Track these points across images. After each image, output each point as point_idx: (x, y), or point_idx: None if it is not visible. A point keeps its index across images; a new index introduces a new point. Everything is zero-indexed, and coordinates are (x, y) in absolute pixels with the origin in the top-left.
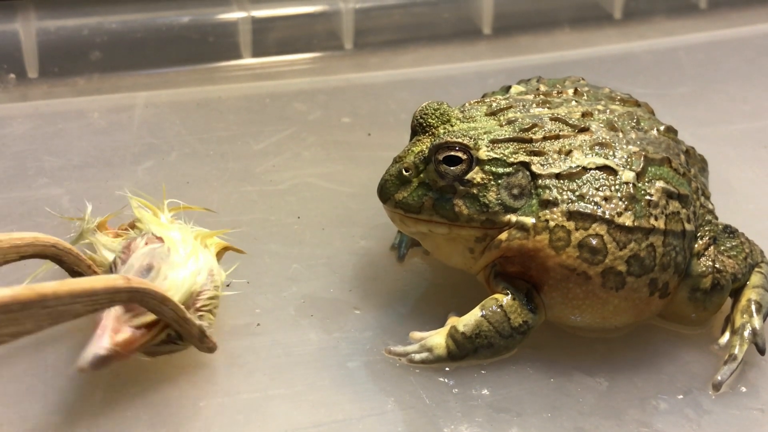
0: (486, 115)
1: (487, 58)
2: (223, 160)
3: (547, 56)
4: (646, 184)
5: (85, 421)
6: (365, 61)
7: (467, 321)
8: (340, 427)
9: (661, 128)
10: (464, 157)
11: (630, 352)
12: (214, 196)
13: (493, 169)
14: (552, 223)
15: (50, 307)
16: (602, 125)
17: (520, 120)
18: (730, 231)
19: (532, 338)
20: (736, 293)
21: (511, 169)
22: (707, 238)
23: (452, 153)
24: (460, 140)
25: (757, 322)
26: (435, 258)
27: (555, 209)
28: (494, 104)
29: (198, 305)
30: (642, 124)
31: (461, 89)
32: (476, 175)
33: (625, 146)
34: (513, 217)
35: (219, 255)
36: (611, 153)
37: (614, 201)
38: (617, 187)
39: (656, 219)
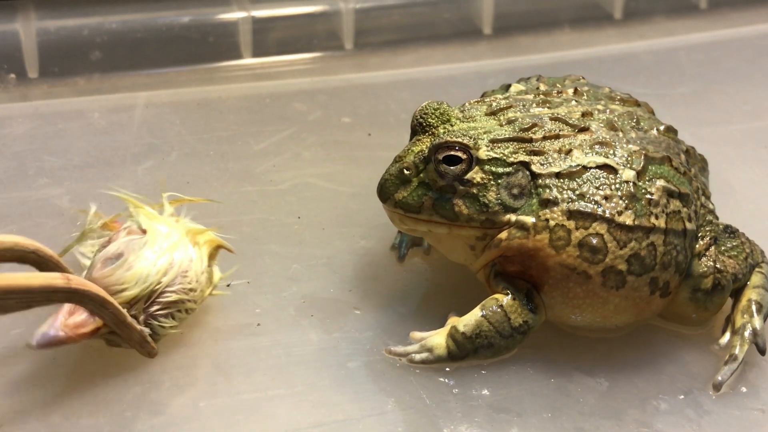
0: (486, 114)
1: (487, 58)
2: (224, 160)
3: (547, 56)
4: (647, 182)
5: (86, 420)
6: (365, 61)
7: (467, 321)
8: (340, 427)
9: (661, 128)
10: (464, 156)
11: (630, 353)
12: (214, 196)
13: (493, 168)
14: (552, 223)
15: None
16: (602, 125)
17: (520, 120)
18: (731, 231)
19: (533, 338)
20: (737, 293)
21: (510, 168)
22: (708, 238)
23: (452, 153)
24: (459, 140)
25: (757, 322)
26: (435, 258)
27: (555, 208)
28: (494, 104)
29: (156, 307)
30: (642, 123)
31: (461, 89)
32: (476, 174)
33: (625, 145)
34: (513, 217)
35: (213, 254)
36: (611, 152)
37: (614, 200)
38: (617, 185)
39: (657, 218)
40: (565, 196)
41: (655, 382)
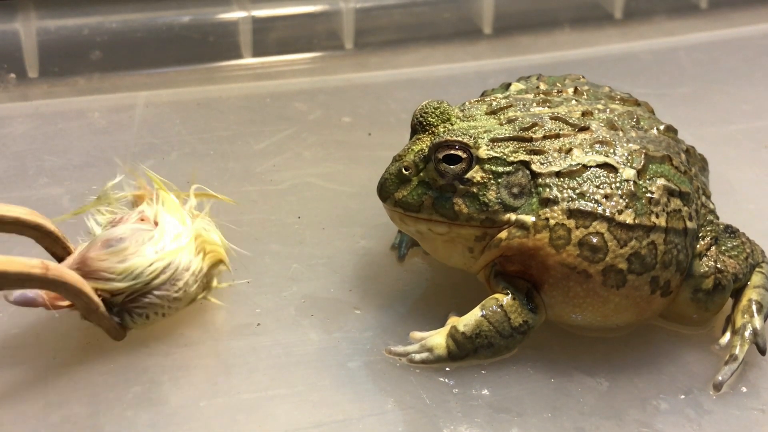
0: (486, 114)
1: (487, 58)
2: (224, 159)
3: (547, 56)
4: (647, 181)
5: (86, 421)
6: (366, 60)
7: (467, 321)
8: (340, 427)
9: (661, 127)
10: (464, 155)
11: (631, 353)
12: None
13: (493, 167)
14: (552, 222)
15: None
16: (602, 124)
17: (520, 119)
18: (731, 231)
19: (533, 338)
20: (737, 293)
21: (511, 167)
22: (709, 238)
23: (452, 152)
24: (460, 139)
25: (757, 322)
26: (435, 258)
27: (555, 207)
28: (494, 103)
29: (135, 304)
30: (642, 123)
31: (461, 89)
32: (476, 173)
33: (625, 144)
34: (513, 216)
35: (215, 265)
36: (612, 151)
37: (615, 199)
38: (618, 184)
39: (657, 216)
40: (566, 195)
41: (656, 382)
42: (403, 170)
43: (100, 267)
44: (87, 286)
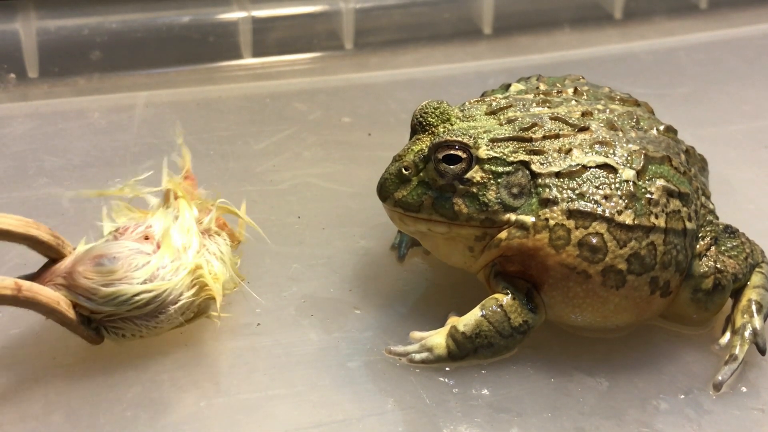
0: (486, 114)
1: (487, 58)
2: (224, 159)
3: (547, 56)
4: (647, 182)
5: (85, 420)
6: (365, 61)
7: (467, 321)
8: (340, 427)
9: (661, 128)
10: (464, 155)
11: (630, 353)
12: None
13: (493, 168)
14: (552, 222)
15: None
16: (602, 124)
17: (520, 119)
18: (731, 231)
19: (533, 338)
20: (737, 293)
21: (510, 168)
22: (709, 238)
23: (452, 152)
24: (459, 139)
25: (757, 322)
26: (435, 258)
27: (555, 208)
28: (494, 103)
29: (113, 323)
30: (642, 123)
31: (461, 89)
32: (476, 173)
33: (625, 145)
34: (513, 216)
35: (203, 302)
36: (611, 151)
37: (614, 199)
38: (617, 185)
39: (657, 217)
40: (565, 195)
41: (656, 382)
42: (403, 170)
43: (84, 285)
44: (62, 304)
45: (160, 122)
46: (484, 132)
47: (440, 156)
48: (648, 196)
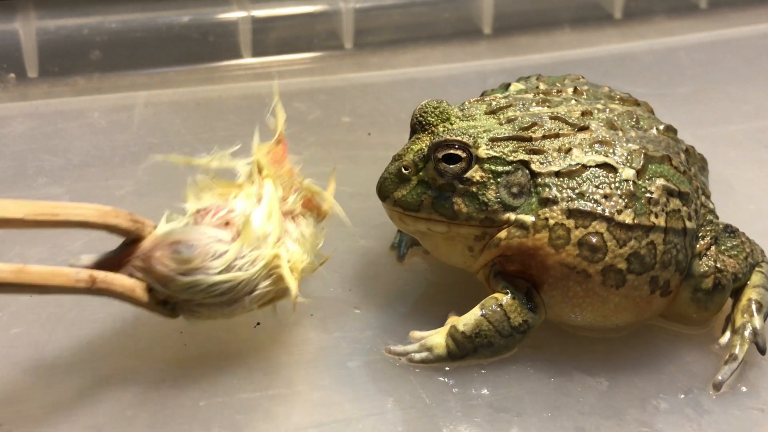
0: (485, 113)
1: (487, 58)
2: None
3: (547, 56)
4: (647, 181)
5: (85, 420)
6: (365, 60)
7: (467, 320)
8: (340, 427)
9: (661, 127)
10: (463, 155)
11: (630, 352)
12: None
13: (493, 167)
14: (551, 222)
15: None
16: (602, 124)
17: (519, 118)
18: (731, 231)
19: (533, 338)
20: (737, 293)
21: (510, 167)
22: (709, 238)
23: (451, 151)
24: (459, 138)
25: (757, 321)
26: (435, 257)
27: (554, 207)
28: (494, 103)
29: (188, 304)
30: (641, 123)
31: (461, 89)
32: (475, 173)
33: (624, 144)
34: (512, 216)
35: (279, 296)
36: (611, 151)
37: (614, 198)
38: (617, 184)
39: (657, 216)
40: (565, 194)
41: (656, 382)
42: (403, 170)
43: (160, 272)
44: (138, 291)
45: (159, 122)
46: (484, 131)
47: (440, 155)
48: (648, 195)
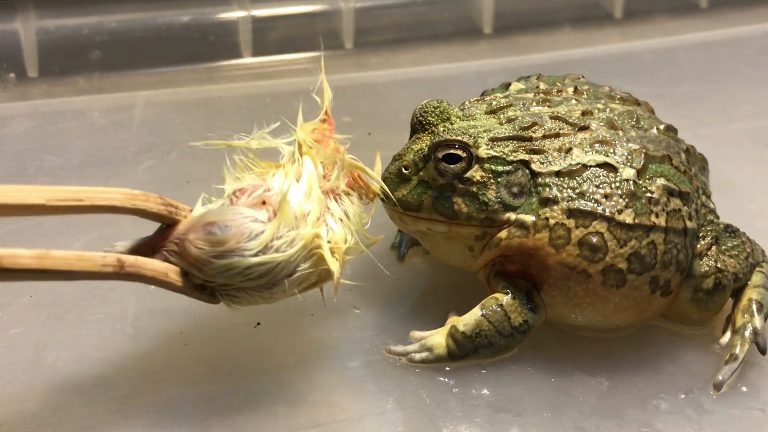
0: (486, 113)
1: (487, 58)
2: (223, 159)
3: (547, 56)
4: (647, 181)
5: (86, 420)
6: (365, 60)
7: (467, 320)
8: (340, 427)
9: (661, 127)
10: (464, 155)
11: (631, 352)
12: (215, 195)
13: (493, 167)
14: (552, 221)
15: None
16: (602, 124)
17: (520, 118)
18: (731, 230)
19: (533, 338)
20: (737, 293)
21: (510, 167)
22: (709, 238)
23: (452, 151)
24: (459, 138)
25: (758, 321)
26: (435, 257)
27: (555, 207)
28: (494, 102)
29: (230, 292)
30: (642, 122)
31: (461, 89)
32: (476, 173)
33: (625, 144)
34: (512, 216)
35: (321, 279)
36: (611, 150)
37: (615, 198)
38: (618, 184)
39: (657, 216)
40: (565, 194)
41: (656, 382)
42: (403, 169)
43: (195, 254)
44: (171, 275)
45: (159, 122)
46: (484, 131)
47: (440, 155)
48: (648, 195)
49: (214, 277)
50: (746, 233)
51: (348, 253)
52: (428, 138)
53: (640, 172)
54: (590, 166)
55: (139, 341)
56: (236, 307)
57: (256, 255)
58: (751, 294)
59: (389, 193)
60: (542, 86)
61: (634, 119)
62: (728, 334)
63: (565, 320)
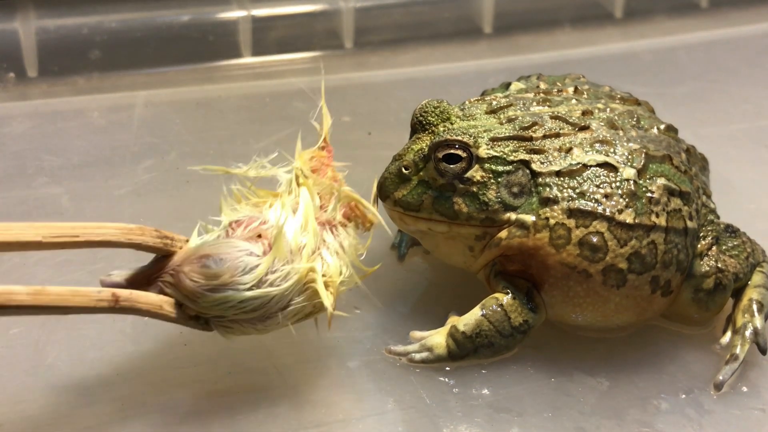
0: (486, 113)
1: (487, 58)
2: (223, 159)
3: (547, 55)
4: (647, 181)
5: (85, 420)
6: (365, 60)
7: (467, 320)
8: (340, 427)
9: (662, 127)
10: (464, 155)
11: (631, 352)
12: (214, 196)
13: (493, 167)
14: (552, 221)
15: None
16: (602, 123)
17: (520, 118)
18: (732, 230)
19: (533, 338)
20: (738, 293)
21: (510, 167)
22: (710, 238)
23: (452, 151)
24: (459, 138)
25: (758, 321)
26: (435, 257)
27: (555, 207)
28: (494, 102)
29: (224, 323)
30: (642, 122)
31: (462, 88)
32: (476, 173)
33: (625, 144)
34: (513, 216)
35: (314, 311)
36: (612, 150)
37: (615, 198)
38: (618, 184)
39: (657, 216)
40: (566, 194)
41: (656, 382)
42: (403, 169)
43: (189, 287)
44: (166, 307)
45: (159, 122)
46: (484, 131)
47: (440, 155)
48: (649, 194)
49: (208, 309)
50: (746, 233)
51: (343, 285)
52: (428, 138)
53: (640, 172)
54: (590, 166)
55: (139, 341)
56: (230, 337)
57: (250, 289)
58: (752, 294)
59: (386, 225)
60: (542, 86)
61: (635, 119)
62: (729, 334)
63: (565, 320)
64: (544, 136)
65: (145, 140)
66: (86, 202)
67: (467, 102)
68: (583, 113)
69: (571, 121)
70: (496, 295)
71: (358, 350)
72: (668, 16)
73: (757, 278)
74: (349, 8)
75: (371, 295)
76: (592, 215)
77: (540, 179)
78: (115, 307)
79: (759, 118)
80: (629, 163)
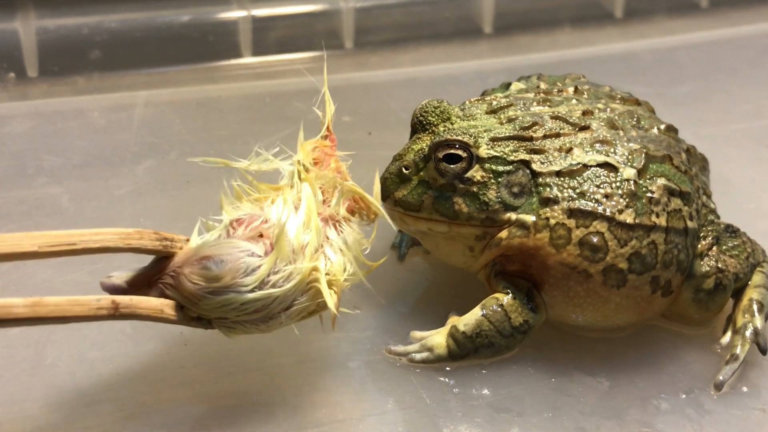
0: (486, 113)
1: (487, 57)
2: (224, 159)
3: (547, 55)
4: (648, 181)
5: (85, 420)
6: (366, 60)
7: (468, 320)
8: (340, 427)
9: (662, 127)
10: (464, 155)
11: (631, 352)
12: (215, 195)
13: (493, 167)
14: (552, 221)
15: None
16: (603, 123)
17: (520, 118)
18: (732, 230)
19: (533, 338)
20: (738, 293)
21: (511, 167)
22: (710, 238)
23: (452, 151)
24: (460, 138)
25: (758, 321)
26: (435, 257)
27: (555, 207)
28: (494, 102)
29: (226, 324)
30: (642, 122)
31: (462, 88)
32: (476, 173)
33: (626, 144)
34: (513, 216)
35: (318, 309)
36: (612, 150)
37: (615, 198)
38: (618, 184)
39: (658, 216)
40: (566, 194)
41: (656, 382)
42: (403, 169)
43: (190, 289)
44: (167, 310)
45: (159, 121)
46: (485, 131)
47: (440, 155)
48: (649, 195)
49: (209, 311)
50: (747, 233)
51: (347, 281)
52: (428, 138)
53: (640, 172)
54: (591, 166)
55: (139, 341)
56: (232, 336)
57: (252, 291)
58: (752, 294)
59: (390, 221)
60: (543, 86)
61: (635, 119)
62: (729, 334)
63: (565, 320)
64: (545, 136)
65: (145, 140)
66: (86, 202)
67: (467, 102)
68: (584, 113)
69: (571, 121)
70: (497, 295)
71: (358, 350)
72: (668, 16)
73: (757, 278)
74: (349, 8)
75: (371, 295)
76: (593, 215)
77: (540, 179)
78: (116, 315)
79: (759, 118)
80: (629, 163)
